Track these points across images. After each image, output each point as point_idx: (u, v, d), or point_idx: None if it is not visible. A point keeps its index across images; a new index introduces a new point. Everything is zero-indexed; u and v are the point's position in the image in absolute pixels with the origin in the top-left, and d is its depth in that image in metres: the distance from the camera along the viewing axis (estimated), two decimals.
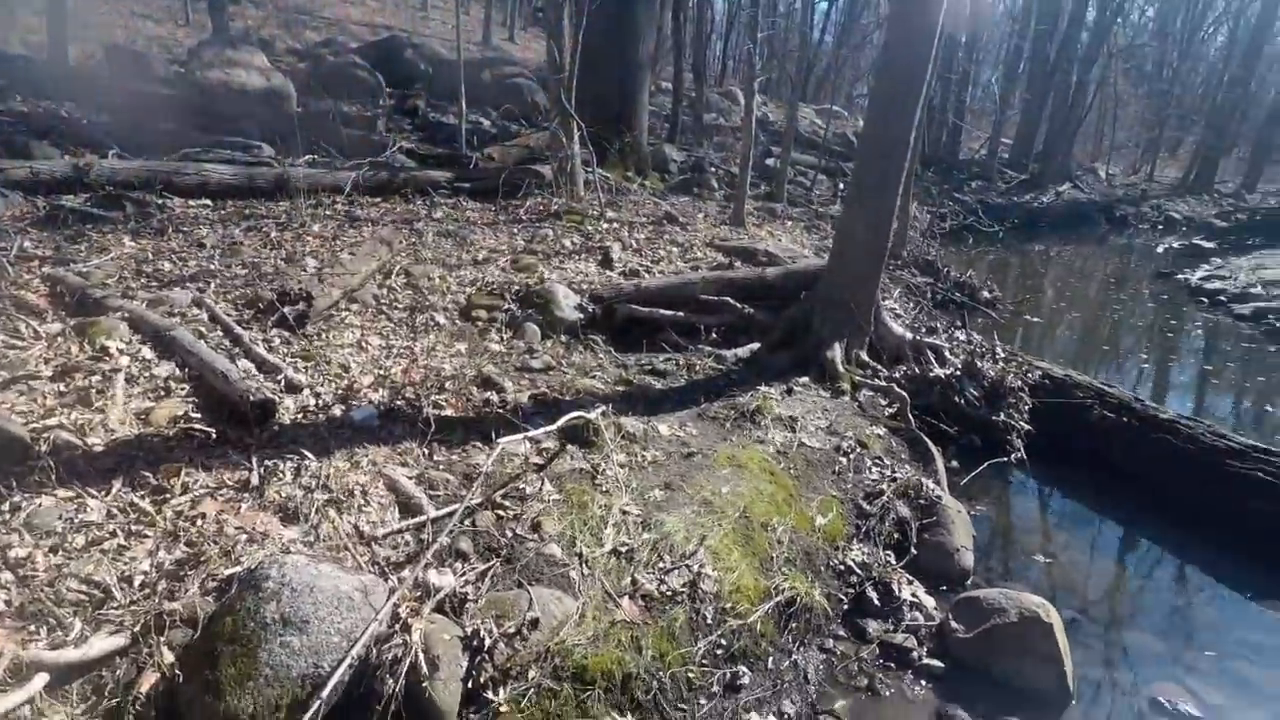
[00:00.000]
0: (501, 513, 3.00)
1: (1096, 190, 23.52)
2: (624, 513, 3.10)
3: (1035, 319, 9.90)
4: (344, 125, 10.35)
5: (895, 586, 3.17)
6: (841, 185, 15.37)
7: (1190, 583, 3.99)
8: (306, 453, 3.14)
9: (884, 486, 3.76)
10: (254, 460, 3.04)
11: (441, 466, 3.31)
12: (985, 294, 9.84)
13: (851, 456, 4.01)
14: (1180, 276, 12.52)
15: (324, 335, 4.48)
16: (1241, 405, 7.10)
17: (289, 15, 19.86)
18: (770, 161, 14.40)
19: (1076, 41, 22.39)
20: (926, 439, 4.53)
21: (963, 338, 5.63)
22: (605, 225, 7.94)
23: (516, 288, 5.56)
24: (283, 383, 3.77)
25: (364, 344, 4.50)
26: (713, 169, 13.04)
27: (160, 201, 6.52)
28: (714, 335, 5.46)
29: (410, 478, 3.13)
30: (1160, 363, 8.50)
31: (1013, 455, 4.77)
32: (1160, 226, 20.89)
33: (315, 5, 22.35)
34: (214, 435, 3.21)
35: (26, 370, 3.52)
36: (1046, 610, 2.90)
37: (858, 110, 27.55)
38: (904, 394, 4.70)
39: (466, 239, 6.78)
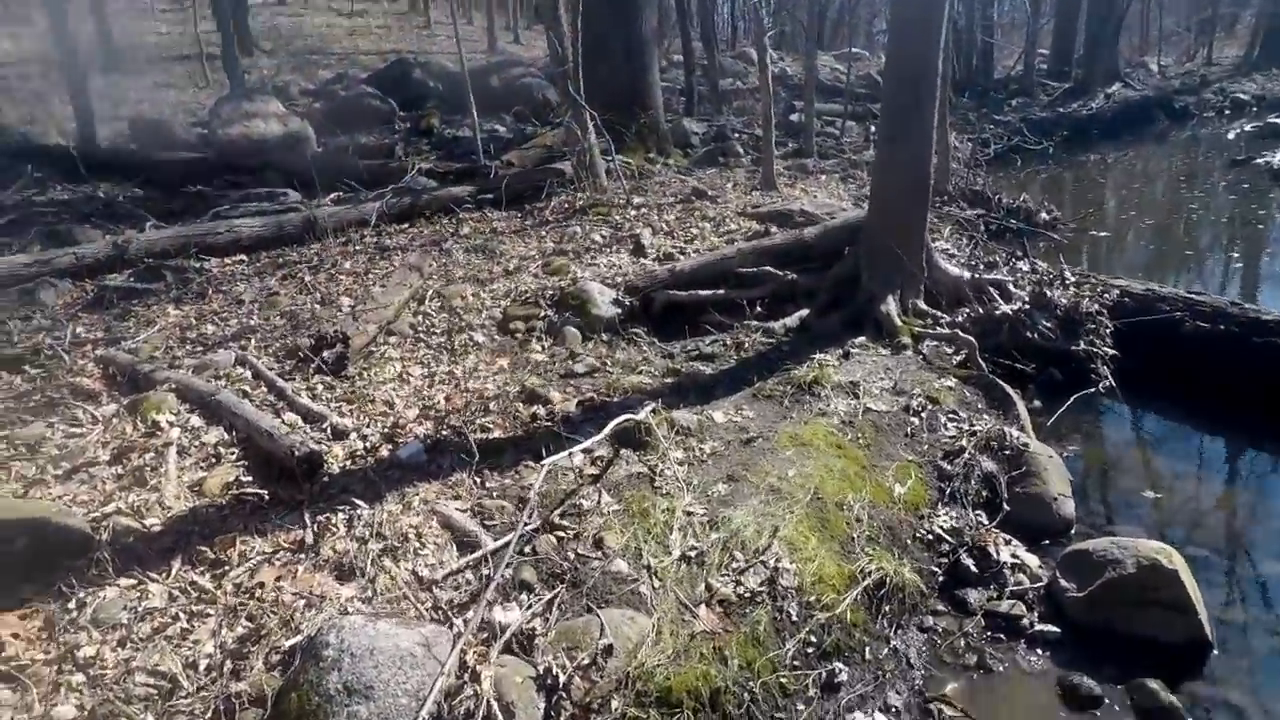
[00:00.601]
0: (561, 533, 2.88)
1: (1150, 85, 22.01)
2: (688, 514, 2.94)
3: (1102, 234, 9.26)
4: (363, 157, 10.43)
5: (992, 549, 2.92)
6: (872, 128, 14.75)
7: None
8: (358, 501, 3.08)
9: (963, 442, 3.49)
10: (307, 517, 2.99)
11: (495, 493, 3.21)
12: (1043, 216, 9.24)
13: (923, 415, 3.74)
14: (1260, 160, 11.52)
15: (365, 374, 4.44)
16: None
17: (301, 59, 20.22)
18: (794, 117, 13.90)
19: None
20: (1002, 383, 4.20)
21: (1026, 267, 5.24)
22: (633, 212, 7.74)
23: (551, 292, 5.44)
24: (329, 430, 3.74)
25: (406, 376, 4.44)
26: (736, 135, 12.65)
27: (198, 265, 6.64)
28: (759, 309, 5.20)
29: (464, 511, 3.03)
30: (1250, 259, 7.81)
31: (1100, 385, 4.40)
32: (1227, 111, 19.50)
33: (325, 44, 22.73)
34: (266, 496, 3.18)
35: (85, 458, 3.57)
36: (1168, 555, 2.61)
37: (879, 49, 26.48)
38: (970, 338, 4.38)
39: (495, 250, 6.69)
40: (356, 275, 6.10)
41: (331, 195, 8.59)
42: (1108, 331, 4.60)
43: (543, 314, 5.18)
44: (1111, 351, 4.52)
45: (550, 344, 4.92)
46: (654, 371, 4.47)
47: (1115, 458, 4.10)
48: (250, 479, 3.35)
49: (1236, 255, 7.94)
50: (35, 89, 14.94)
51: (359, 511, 3.02)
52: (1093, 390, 4.35)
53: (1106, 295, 4.82)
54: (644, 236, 6.71)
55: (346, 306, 5.36)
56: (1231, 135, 15.27)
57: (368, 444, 3.65)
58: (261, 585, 2.62)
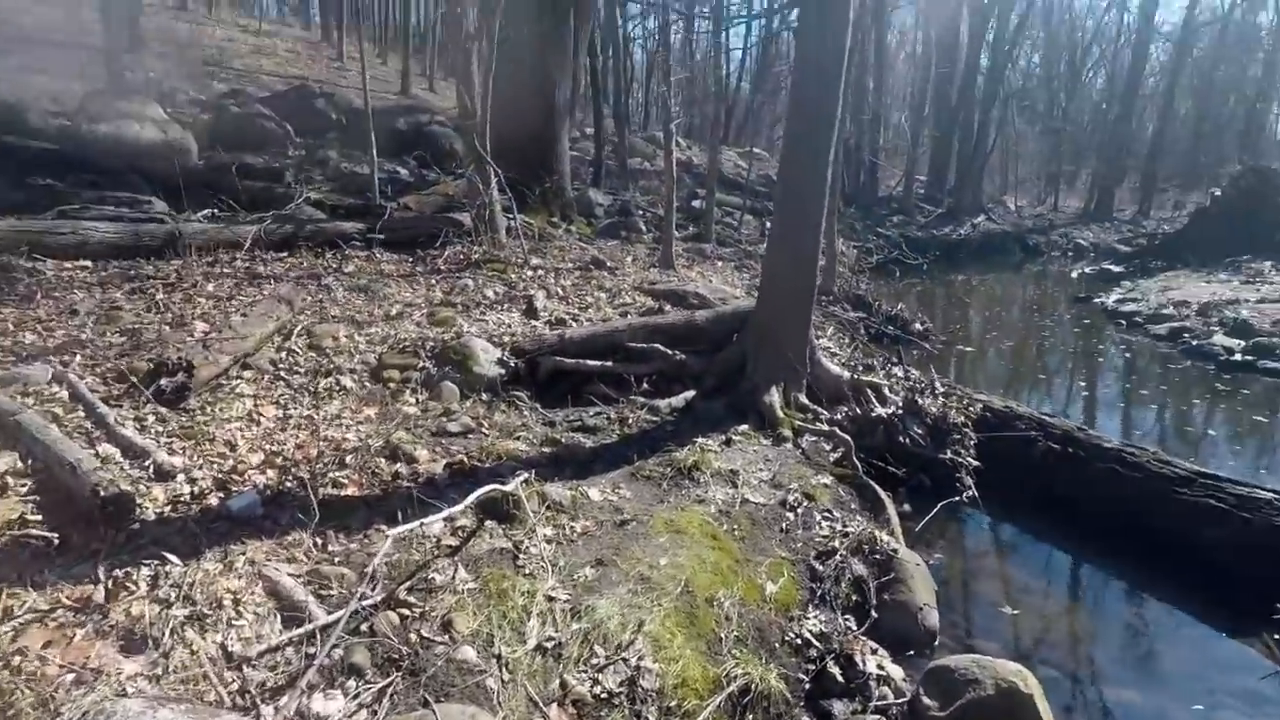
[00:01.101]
0: (406, 611, 2.56)
1: (1008, 221, 24.69)
2: (550, 599, 2.71)
3: (967, 348, 10.00)
4: (248, 178, 9.78)
5: (859, 658, 2.86)
6: (767, 224, 15.54)
7: (1158, 623, 3.82)
8: (170, 555, 2.65)
9: (836, 543, 3.48)
10: (101, 570, 2.53)
11: (338, 559, 2.86)
12: (917, 326, 9.90)
13: (799, 511, 3.72)
14: (1096, 300, 12.98)
15: (209, 409, 3.96)
16: (1167, 423, 7.19)
17: (195, 67, 19.11)
18: (696, 203, 14.43)
19: (974, 85, 23.68)
20: (875, 485, 4.29)
21: (900, 373, 5.49)
22: (529, 273, 7.62)
23: (432, 344, 5.15)
24: (151, 468, 3.25)
25: (256, 416, 4.00)
26: (640, 212, 12.94)
27: (30, 265, 5.86)
28: (645, 385, 5.14)
29: (296, 576, 2.66)
30: (1090, 385, 8.65)
31: (964, 494, 4.58)
32: (1070, 253, 22.09)
33: (224, 57, 21.64)
34: (55, 541, 2.68)
35: None
36: (1024, 678, 2.63)
37: (777, 151, 28.30)
38: (847, 437, 4.47)
39: (379, 293, 6.34)
40: (218, 300, 5.57)
41: (204, 211, 7.95)
42: (971, 443, 4.83)
43: (421, 365, 4.87)
44: (975, 463, 4.74)
45: (425, 398, 4.62)
46: (532, 439, 4.26)
47: (976, 568, 4.24)
48: (39, 518, 2.83)
49: (1080, 381, 8.76)
50: None
51: (168, 568, 2.59)
52: (957, 499, 4.52)
53: (971, 409, 5.09)
54: (538, 299, 6.57)
55: (200, 332, 4.84)
56: (1075, 275, 17.19)
57: (195, 489, 3.20)
58: (23, 652, 2.15)
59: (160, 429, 3.69)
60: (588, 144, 17.26)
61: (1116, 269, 16.32)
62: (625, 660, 2.47)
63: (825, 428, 4.64)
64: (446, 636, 2.47)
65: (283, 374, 4.49)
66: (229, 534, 2.86)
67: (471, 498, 2.92)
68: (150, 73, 17.00)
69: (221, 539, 2.82)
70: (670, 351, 5.18)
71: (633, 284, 7.91)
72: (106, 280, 5.79)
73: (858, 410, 4.94)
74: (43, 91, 14.28)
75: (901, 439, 4.79)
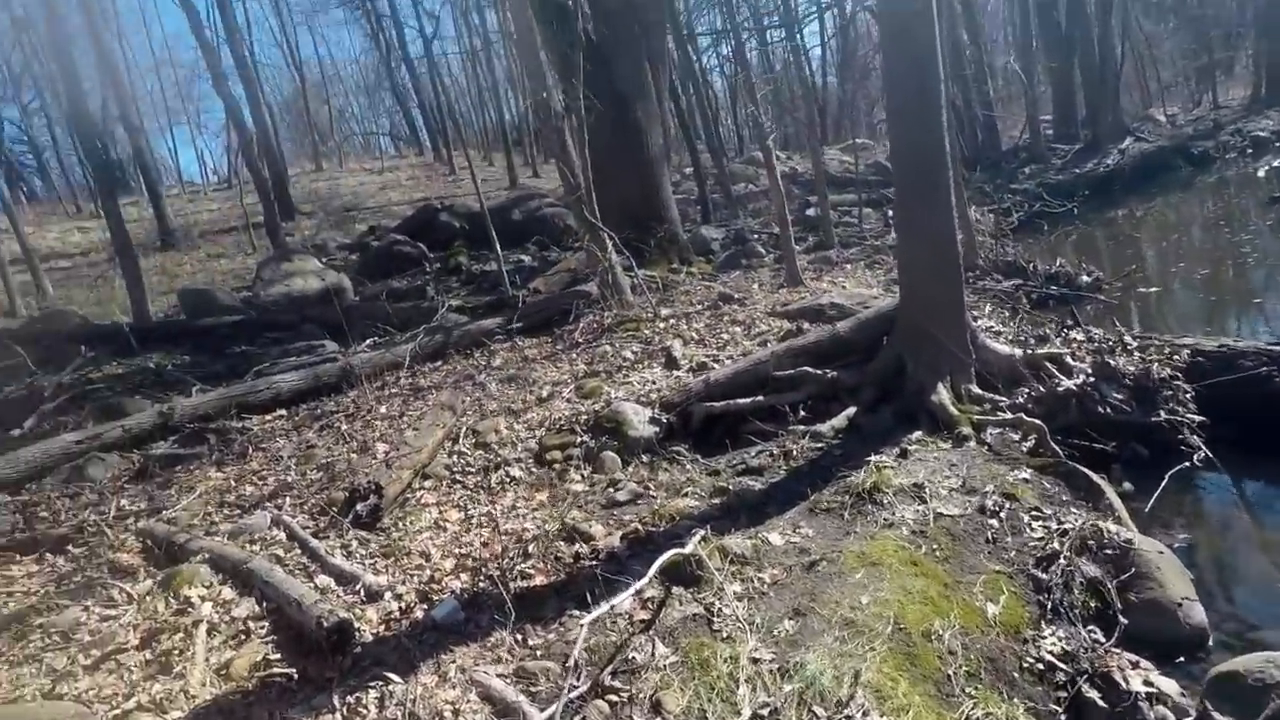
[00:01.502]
0: (614, 697, 2.56)
1: (1162, 135, 22.03)
2: (754, 661, 2.60)
3: (1151, 289, 8.88)
4: (396, 300, 10.74)
5: (1119, 676, 2.49)
6: (890, 213, 14.85)
7: None
8: (391, 675, 2.82)
9: (1055, 544, 3.10)
10: (335, 699, 2.73)
11: (538, 652, 2.92)
12: (1084, 278, 8.94)
13: (1002, 515, 3.38)
14: None
15: (401, 523, 4.26)
16: None
17: (338, 216, 21.46)
18: (810, 212, 14.06)
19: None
20: (1084, 469, 3.82)
21: (1080, 336, 4.93)
22: (661, 324, 7.68)
23: (585, 417, 5.27)
24: (362, 592, 3.52)
25: (442, 522, 4.24)
26: (755, 236, 12.79)
27: (240, 425, 6.69)
28: (802, 412, 4.96)
29: (504, 677, 2.74)
30: None
31: (1195, 457, 3.97)
32: (1249, 151, 19.28)
33: (359, 200, 24.16)
34: (295, 676, 2.94)
35: (115, 644, 3.40)
36: None
37: (881, 136, 27.16)
38: (1037, 422, 4.05)
39: (528, 378, 6.63)
40: (391, 419, 6.05)
41: (367, 341, 8.75)
42: (1188, 397, 4.22)
43: (579, 440, 4.99)
44: (1198, 418, 4.12)
45: (589, 471, 4.71)
46: (700, 491, 4.20)
47: (1232, 542, 3.63)
48: (279, 656, 3.12)
49: None
50: (100, 273, 16.03)
51: (391, 687, 2.76)
52: (1187, 464, 3.92)
53: (1177, 357, 4.47)
54: (675, 348, 6.59)
55: (381, 453, 5.26)
56: (1262, 173, 14.95)
57: (402, 604, 3.41)
58: None
59: (364, 551, 4.00)
60: (689, 184, 17.45)
61: None
62: (849, 718, 2.30)
63: (1008, 416, 4.23)
64: (658, 718, 2.43)
65: (457, 476, 4.77)
66: (437, 644, 3.01)
67: (654, 568, 2.90)
68: (305, 231, 19.33)
69: (432, 650, 2.97)
70: (820, 372, 4.98)
71: (765, 310, 7.76)
72: (300, 423, 6.47)
73: (1040, 388, 4.48)
74: (227, 272, 16.58)
75: (1100, 409, 4.27)
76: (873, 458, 4.06)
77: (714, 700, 2.45)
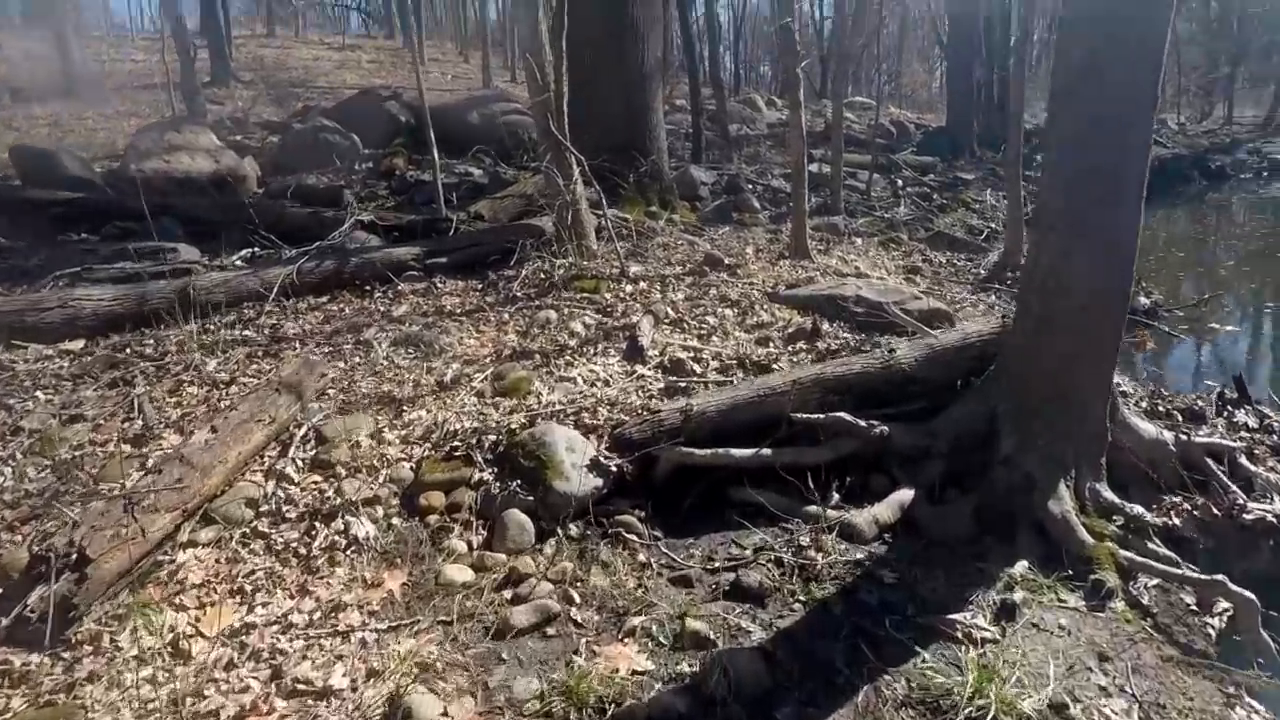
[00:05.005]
0: None
1: (1178, 143, 20.67)
2: None
3: (1227, 328, 7.33)
4: (303, 202, 8.49)
5: None
6: (899, 182, 13.04)
7: None
8: None
9: None
10: None
11: None
12: (1142, 299, 7.34)
13: None
14: None
15: (109, 635, 2.36)
16: None
17: (283, 90, 18.51)
18: (813, 168, 12.12)
19: None
20: None
21: (1252, 421, 3.27)
22: (629, 288, 5.80)
23: (495, 435, 3.43)
24: None
25: (191, 641, 2.38)
26: (750, 186, 10.86)
27: (7, 356, 4.62)
28: (825, 476, 3.21)
29: None
30: None
31: None
32: (1265, 173, 18.33)
33: (310, 76, 21.12)
34: None
35: None
36: None
37: (886, 98, 24.95)
38: (1248, 595, 2.37)
39: (433, 345, 4.71)
40: (214, 388, 4.09)
41: (242, 252, 6.65)
42: None
43: (476, 479, 3.17)
44: None
45: (481, 542, 2.91)
46: (657, 630, 2.43)
47: None
48: None
49: None
50: None
51: None
52: None
53: None
54: (643, 329, 4.75)
55: (165, 448, 3.34)
56: None
57: None
58: None
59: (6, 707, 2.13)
60: (680, 115, 15.24)
61: None
62: None
63: (1178, 571, 2.55)
64: None
65: (263, 526, 2.89)
66: None
67: None
68: (239, 102, 16.48)
69: None
70: (863, 423, 3.19)
71: (763, 287, 5.96)
72: (87, 368, 4.44)
73: (1213, 508, 2.81)
74: (122, 135, 13.85)
75: None
76: (958, 616, 2.35)
77: None
